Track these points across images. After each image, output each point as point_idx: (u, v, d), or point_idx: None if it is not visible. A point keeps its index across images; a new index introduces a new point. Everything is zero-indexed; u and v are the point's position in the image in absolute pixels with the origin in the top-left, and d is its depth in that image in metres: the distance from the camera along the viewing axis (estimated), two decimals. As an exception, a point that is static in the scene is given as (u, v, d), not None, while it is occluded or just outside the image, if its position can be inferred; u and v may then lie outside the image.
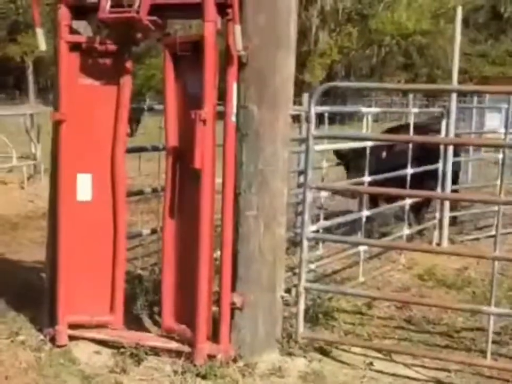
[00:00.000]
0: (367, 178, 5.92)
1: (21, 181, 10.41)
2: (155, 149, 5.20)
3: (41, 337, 4.55)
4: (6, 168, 10.70)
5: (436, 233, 7.53)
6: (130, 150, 4.94)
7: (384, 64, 40.93)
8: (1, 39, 53.22)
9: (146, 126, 20.99)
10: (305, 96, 6.76)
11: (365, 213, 6.06)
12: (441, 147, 7.03)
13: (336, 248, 6.72)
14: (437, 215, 7.54)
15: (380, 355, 4.45)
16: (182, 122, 4.25)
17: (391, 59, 41.14)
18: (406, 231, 6.94)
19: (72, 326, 4.48)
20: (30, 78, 56.55)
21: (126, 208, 4.64)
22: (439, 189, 7.29)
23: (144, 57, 40.49)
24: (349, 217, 6.20)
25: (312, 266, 5.49)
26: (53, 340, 4.46)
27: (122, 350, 4.32)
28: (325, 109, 5.79)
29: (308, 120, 4.19)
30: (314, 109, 4.15)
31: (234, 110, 4.10)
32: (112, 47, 4.29)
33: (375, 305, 5.44)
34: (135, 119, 24.28)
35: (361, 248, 6.01)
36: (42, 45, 4.24)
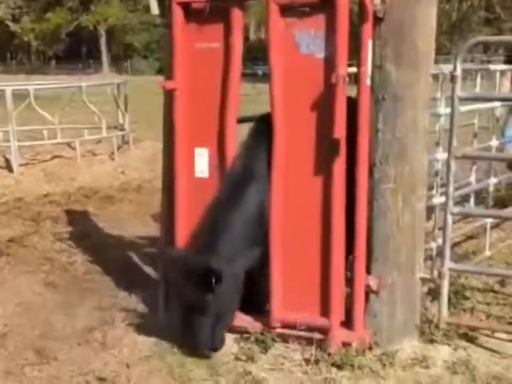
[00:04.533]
0: None
1: (110, 152, 10.24)
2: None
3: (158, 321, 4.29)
4: (95, 139, 10.54)
5: None
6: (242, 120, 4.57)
7: (464, 20, 39.20)
8: (74, 9, 53.77)
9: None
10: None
11: (492, 180, 5.52)
12: None
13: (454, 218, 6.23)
14: None
15: (529, 341, 3.99)
16: (292, 87, 3.80)
17: (473, 14, 39.34)
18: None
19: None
20: (103, 48, 57.09)
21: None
22: None
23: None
24: (477, 186, 5.67)
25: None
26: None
27: (246, 335, 4.01)
28: (471, 67, 5.22)
29: (452, 79, 3.70)
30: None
31: (369, 72, 3.66)
32: (223, 4, 3.88)
33: (509, 283, 4.95)
34: None
35: (489, 219, 5.49)
36: (155, 9, 3.90)
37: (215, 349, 3.86)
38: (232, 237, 3.86)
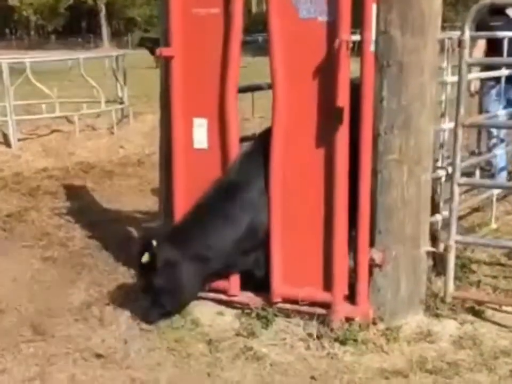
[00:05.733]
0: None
1: (110, 126, 10.09)
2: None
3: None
4: (94, 113, 10.38)
5: None
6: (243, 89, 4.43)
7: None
8: (74, -17, 53.26)
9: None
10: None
11: (499, 151, 5.38)
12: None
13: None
14: None
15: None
16: (292, 53, 3.65)
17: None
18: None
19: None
20: (103, 22, 56.65)
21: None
22: None
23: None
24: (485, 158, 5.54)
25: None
26: (171, 299, 4.10)
27: (247, 311, 3.92)
28: (478, 33, 5.05)
29: (460, 44, 3.56)
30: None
31: (373, 37, 3.51)
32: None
33: (516, 255, 4.84)
34: None
35: (495, 191, 5.36)
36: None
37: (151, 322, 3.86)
38: (207, 238, 3.85)
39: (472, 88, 6.30)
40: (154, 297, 3.83)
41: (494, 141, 5.99)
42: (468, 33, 3.55)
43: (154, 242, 3.73)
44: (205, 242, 3.85)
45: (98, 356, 3.61)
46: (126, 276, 4.65)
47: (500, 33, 5.05)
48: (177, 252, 3.79)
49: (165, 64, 4.01)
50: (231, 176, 3.92)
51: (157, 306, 3.85)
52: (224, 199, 3.89)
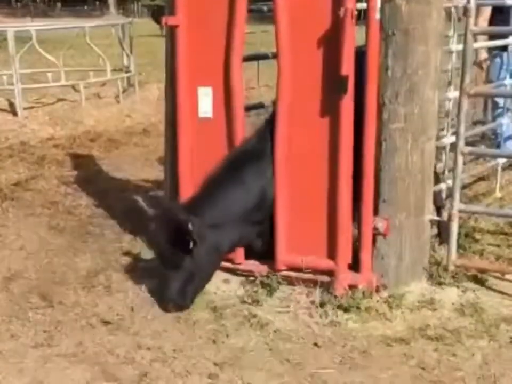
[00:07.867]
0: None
1: (116, 95, 10.06)
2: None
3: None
4: (100, 81, 10.33)
5: None
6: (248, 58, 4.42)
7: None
8: None
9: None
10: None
11: (505, 120, 5.36)
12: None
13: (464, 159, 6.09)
14: None
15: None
16: (297, 22, 3.63)
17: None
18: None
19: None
20: (110, -12, 55.98)
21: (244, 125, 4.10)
22: None
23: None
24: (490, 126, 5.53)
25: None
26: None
27: (252, 278, 3.96)
28: (485, 1, 4.99)
29: (466, 13, 3.54)
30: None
31: (379, 5, 3.49)
32: None
33: (520, 224, 4.85)
34: None
35: (500, 160, 5.36)
36: None
37: (181, 306, 3.71)
38: (224, 206, 3.80)
39: (482, 57, 6.25)
40: (185, 277, 3.69)
41: (499, 110, 5.96)
42: (473, 2, 3.52)
43: (190, 226, 3.53)
44: (227, 216, 3.79)
45: (105, 322, 3.66)
46: (132, 244, 4.69)
47: (509, 1, 4.98)
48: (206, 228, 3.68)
49: (170, 33, 3.99)
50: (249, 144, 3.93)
51: (192, 287, 3.74)
52: (239, 167, 3.87)
